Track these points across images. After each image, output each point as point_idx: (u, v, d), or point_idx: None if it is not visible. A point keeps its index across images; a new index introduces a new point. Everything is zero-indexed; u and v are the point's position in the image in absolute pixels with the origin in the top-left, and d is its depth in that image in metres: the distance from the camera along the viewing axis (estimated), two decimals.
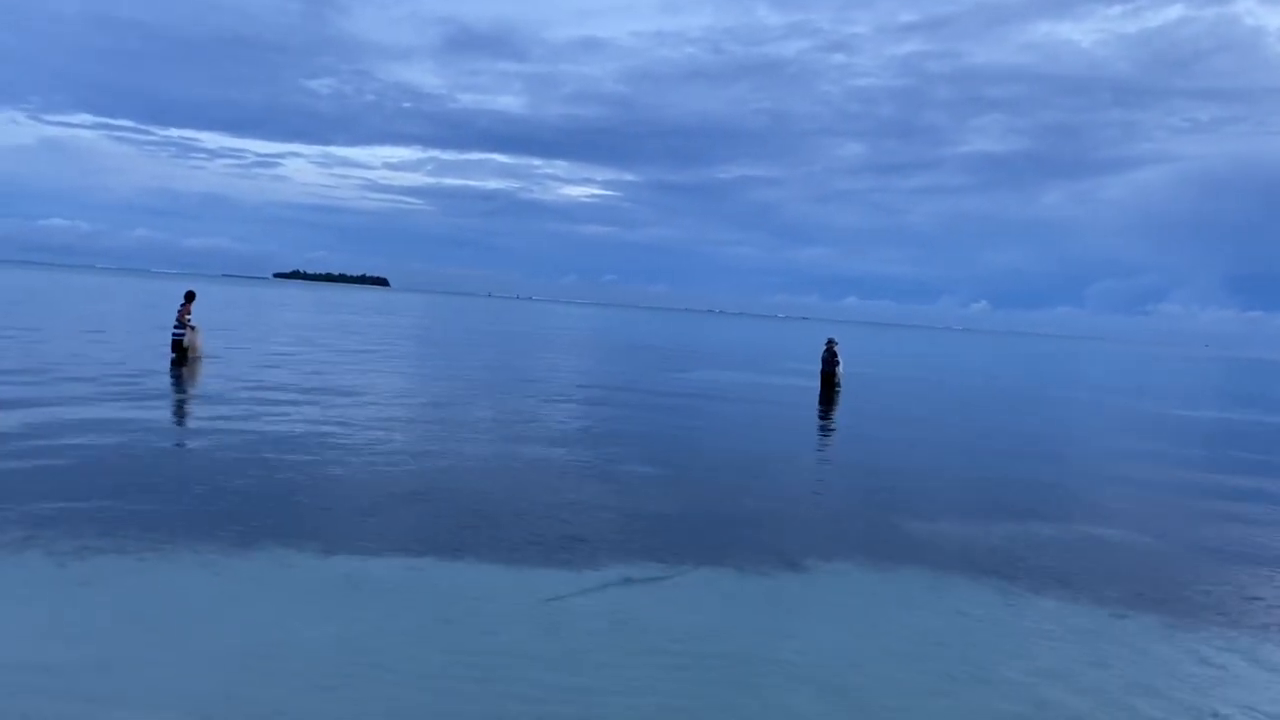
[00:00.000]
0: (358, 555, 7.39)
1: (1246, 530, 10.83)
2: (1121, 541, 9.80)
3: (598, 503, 9.83)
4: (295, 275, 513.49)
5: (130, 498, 8.68)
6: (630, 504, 9.87)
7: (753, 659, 5.81)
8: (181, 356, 20.59)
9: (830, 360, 24.43)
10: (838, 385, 24.25)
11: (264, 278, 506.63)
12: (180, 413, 14.68)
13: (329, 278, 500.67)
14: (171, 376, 18.57)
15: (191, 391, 17.11)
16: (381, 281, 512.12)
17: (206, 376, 18.98)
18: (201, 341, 21.77)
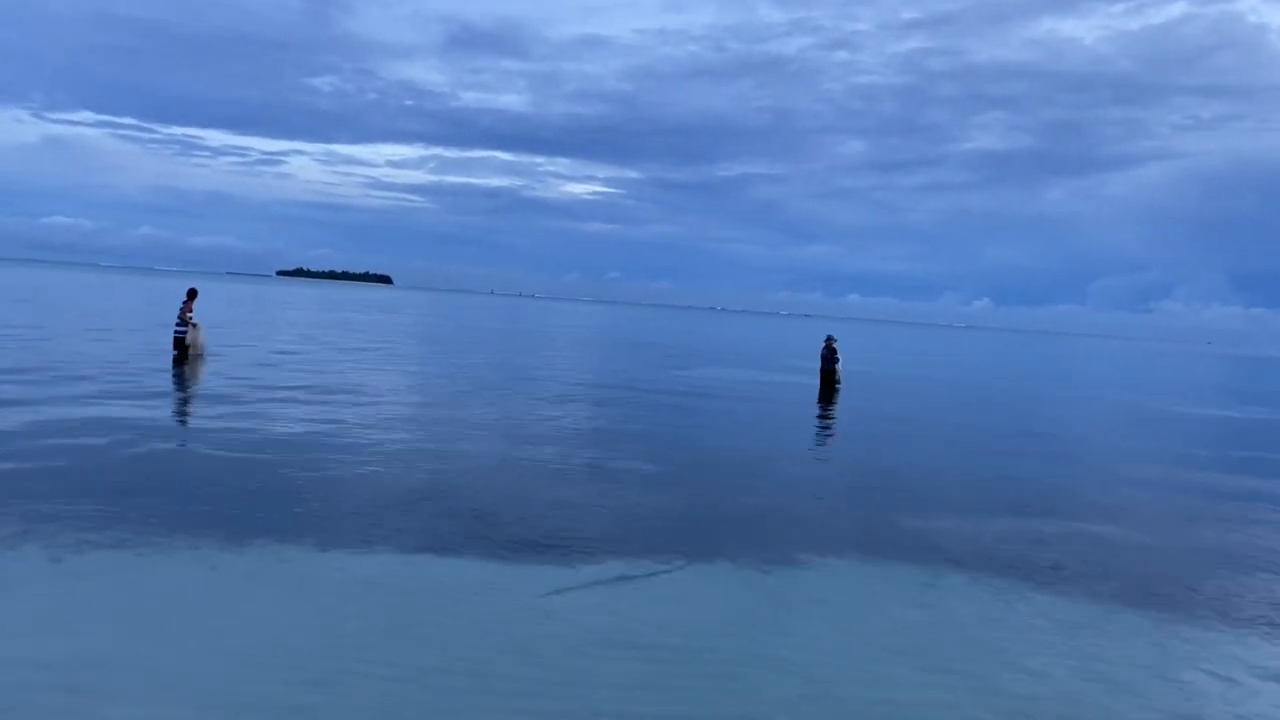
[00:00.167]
0: (353, 552, 7.44)
1: (1244, 528, 10.84)
2: (1117, 538, 9.82)
3: (594, 500, 9.87)
4: (299, 273, 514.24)
5: (128, 494, 8.73)
6: (627, 501, 9.91)
7: (745, 654, 5.84)
8: (183, 354, 20.66)
9: (830, 358, 24.39)
10: (838, 383, 24.23)
11: (267, 276, 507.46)
12: (180, 411, 14.74)
13: (332, 275, 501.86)
14: (173, 374, 18.63)
15: (192, 389, 17.17)
16: (384, 279, 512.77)
17: (208, 374, 19.05)
18: (203, 339, 21.85)
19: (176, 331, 21.10)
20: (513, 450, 12.59)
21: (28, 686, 4.81)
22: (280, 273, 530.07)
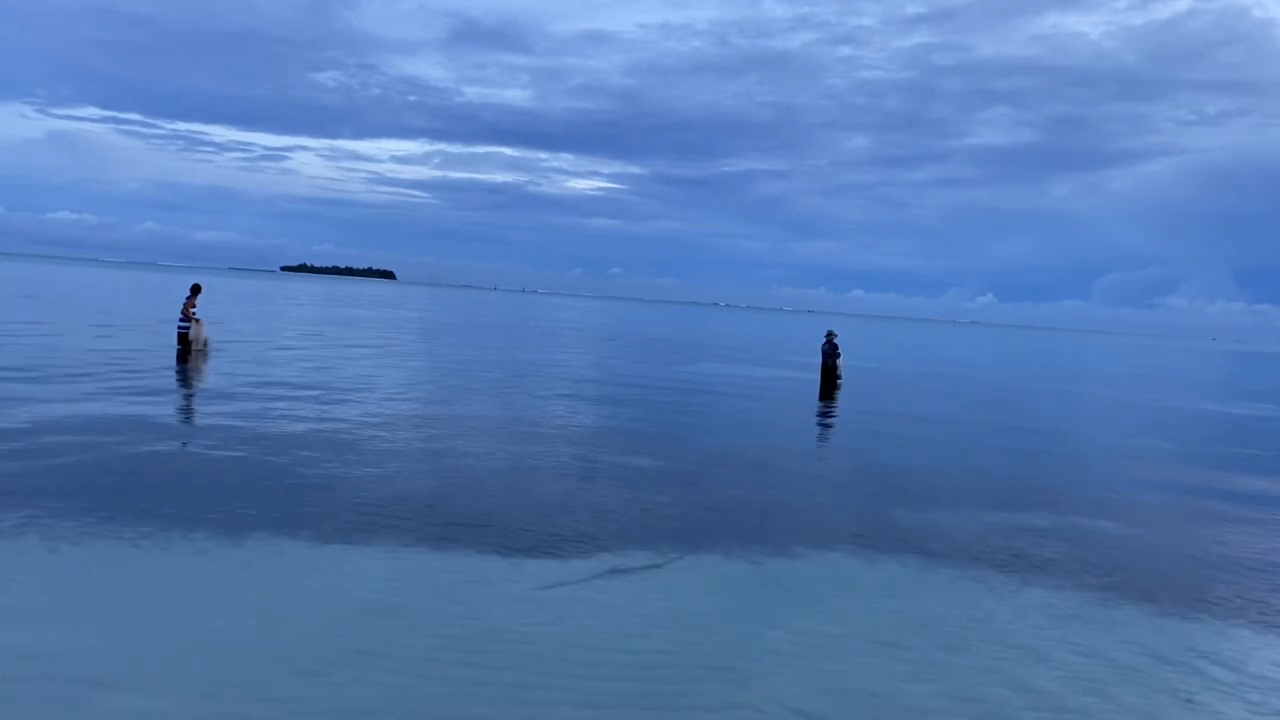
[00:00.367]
0: (351, 544, 7.49)
1: (1244, 526, 10.87)
2: (1113, 533, 9.86)
3: (593, 494, 9.92)
4: (302, 268, 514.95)
5: (127, 488, 8.80)
6: (622, 495, 9.96)
7: (737, 646, 5.89)
8: (186, 349, 20.76)
9: (830, 352, 24.39)
10: (838, 378, 24.25)
11: (271, 271, 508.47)
12: (182, 406, 14.82)
13: (335, 271, 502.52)
14: (176, 370, 18.72)
15: (195, 384, 17.25)
16: (388, 275, 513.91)
17: (210, 369, 19.13)
18: (206, 334, 21.93)
19: (180, 327, 21.20)
20: (511, 445, 12.65)
21: (26, 677, 4.87)
22: (284, 268, 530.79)
